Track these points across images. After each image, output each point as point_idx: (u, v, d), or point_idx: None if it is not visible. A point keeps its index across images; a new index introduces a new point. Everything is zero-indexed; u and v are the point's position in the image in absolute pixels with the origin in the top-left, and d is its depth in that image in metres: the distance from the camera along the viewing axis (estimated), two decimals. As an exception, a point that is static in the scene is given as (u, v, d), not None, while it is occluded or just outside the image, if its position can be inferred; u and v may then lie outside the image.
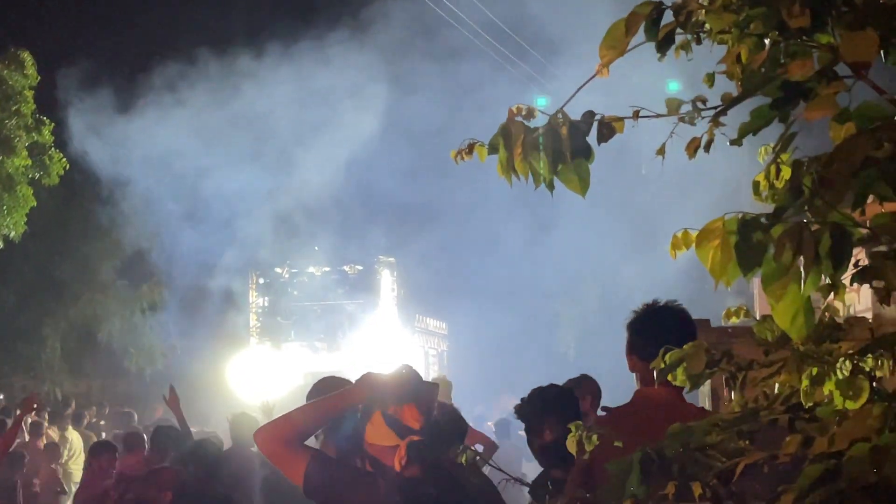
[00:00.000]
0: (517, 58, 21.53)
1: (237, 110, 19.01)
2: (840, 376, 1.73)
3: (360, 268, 18.64)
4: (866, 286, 1.92)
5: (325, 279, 18.66)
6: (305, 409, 3.76)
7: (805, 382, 1.78)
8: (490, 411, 18.38)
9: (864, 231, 1.82)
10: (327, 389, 4.99)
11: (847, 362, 1.75)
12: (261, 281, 18.64)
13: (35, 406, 10.38)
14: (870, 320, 3.26)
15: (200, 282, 21.91)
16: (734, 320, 2.39)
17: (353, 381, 3.85)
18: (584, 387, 6.61)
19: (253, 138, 18.32)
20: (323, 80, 18.61)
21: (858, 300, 7.49)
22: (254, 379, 15.17)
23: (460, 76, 20.00)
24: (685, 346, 2.33)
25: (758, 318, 2.44)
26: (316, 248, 19.45)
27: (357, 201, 20.32)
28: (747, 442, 2.08)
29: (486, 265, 25.76)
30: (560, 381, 7.56)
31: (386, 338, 17.25)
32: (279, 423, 3.67)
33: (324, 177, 19.87)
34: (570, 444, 2.29)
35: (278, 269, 18.61)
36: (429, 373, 19.61)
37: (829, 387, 1.73)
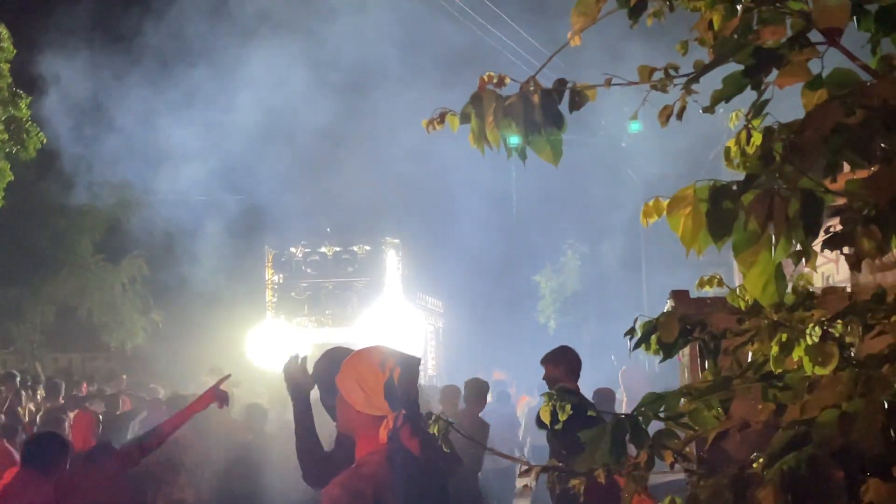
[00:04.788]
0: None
1: (233, 87, 19.15)
2: (810, 343, 1.72)
3: (368, 248, 19.67)
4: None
5: (336, 258, 19.69)
6: None
7: (774, 349, 1.76)
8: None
9: (837, 199, 1.81)
10: (335, 359, 4.94)
11: (817, 329, 1.73)
12: (280, 259, 19.66)
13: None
14: (848, 290, 3.26)
15: (185, 257, 21.90)
16: (707, 289, 2.38)
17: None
18: (561, 357, 6.82)
19: (251, 115, 18.47)
20: (332, 66, 18.98)
21: (838, 270, 7.48)
22: (270, 350, 15.98)
23: (466, 66, 20.12)
24: (658, 316, 2.32)
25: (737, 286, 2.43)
26: (328, 229, 20.27)
27: (366, 184, 20.76)
28: (720, 410, 2.08)
29: (475, 242, 26.06)
30: (539, 353, 7.62)
31: (392, 314, 18.19)
32: None
33: (331, 159, 20.42)
34: (545, 414, 2.28)
35: (293, 249, 19.58)
36: (428, 348, 20.74)
37: (798, 353, 1.72)
